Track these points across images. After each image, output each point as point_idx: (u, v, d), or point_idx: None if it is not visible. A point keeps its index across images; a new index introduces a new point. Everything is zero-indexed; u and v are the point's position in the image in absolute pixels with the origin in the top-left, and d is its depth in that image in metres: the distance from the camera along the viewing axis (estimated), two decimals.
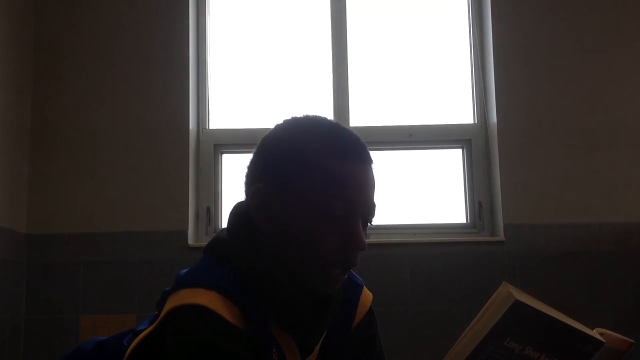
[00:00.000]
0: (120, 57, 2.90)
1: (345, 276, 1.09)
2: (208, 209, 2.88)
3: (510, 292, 0.88)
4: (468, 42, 3.07)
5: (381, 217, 2.86)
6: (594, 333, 0.94)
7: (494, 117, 2.89)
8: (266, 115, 3.01)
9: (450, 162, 3.00)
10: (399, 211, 2.91)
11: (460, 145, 2.99)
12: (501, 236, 2.76)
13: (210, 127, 3.00)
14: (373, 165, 1.10)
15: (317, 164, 1.04)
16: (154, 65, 2.88)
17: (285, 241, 1.05)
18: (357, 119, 2.98)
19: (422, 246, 2.76)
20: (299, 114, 1.14)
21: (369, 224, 1.09)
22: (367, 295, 1.23)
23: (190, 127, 2.86)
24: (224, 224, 2.87)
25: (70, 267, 2.74)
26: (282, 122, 1.13)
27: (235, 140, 2.98)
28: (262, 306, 1.03)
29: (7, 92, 2.69)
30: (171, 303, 1.01)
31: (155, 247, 2.74)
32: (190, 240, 2.77)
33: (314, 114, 1.13)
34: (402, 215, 2.91)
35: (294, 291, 1.05)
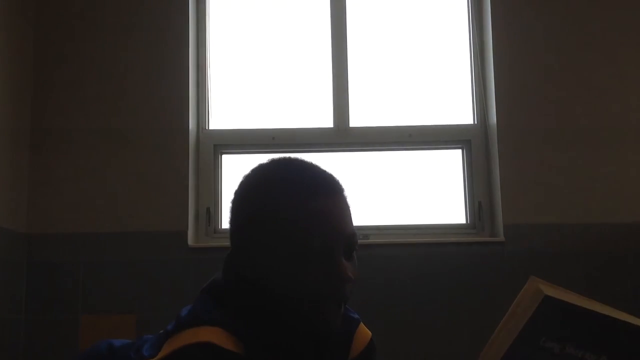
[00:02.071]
0: (120, 58, 2.90)
1: (342, 310, 1.06)
2: (208, 209, 2.88)
3: (539, 288, 0.80)
4: (468, 42, 3.07)
5: (381, 217, 2.87)
6: None
7: (493, 117, 2.89)
8: (266, 115, 3.02)
9: (450, 162, 3.00)
10: (399, 211, 2.91)
11: (459, 146, 2.99)
12: (501, 236, 2.76)
13: (210, 127, 3.00)
14: (346, 193, 1.09)
15: (287, 204, 1.03)
16: (153, 65, 2.88)
17: (270, 285, 1.04)
18: (357, 119, 2.98)
19: (422, 246, 2.76)
20: (275, 157, 1.14)
21: (354, 252, 1.07)
22: (364, 332, 1.20)
23: (190, 127, 2.86)
24: (224, 224, 2.88)
25: (70, 267, 2.74)
26: (256, 165, 1.13)
27: (235, 141, 2.98)
28: (264, 344, 1.03)
29: (8, 93, 2.69)
30: (176, 343, 1.00)
31: (155, 247, 2.74)
32: (190, 241, 2.77)
33: (288, 156, 1.13)
34: (402, 216, 2.90)
35: (293, 331, 1.05)
